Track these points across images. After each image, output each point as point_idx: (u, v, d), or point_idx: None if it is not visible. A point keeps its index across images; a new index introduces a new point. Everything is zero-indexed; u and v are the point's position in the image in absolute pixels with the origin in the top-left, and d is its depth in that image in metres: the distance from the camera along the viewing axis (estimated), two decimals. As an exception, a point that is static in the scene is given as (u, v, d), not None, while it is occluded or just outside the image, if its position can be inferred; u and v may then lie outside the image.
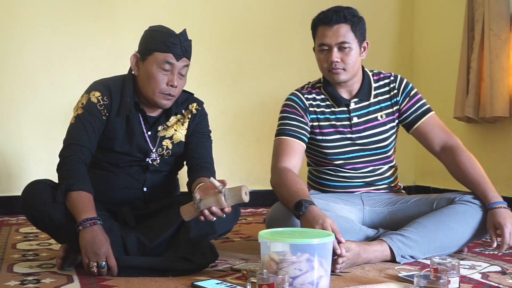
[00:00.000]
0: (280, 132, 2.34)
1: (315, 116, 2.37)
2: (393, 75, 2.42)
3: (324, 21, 2.27)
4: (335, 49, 2.26)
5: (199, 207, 1.88)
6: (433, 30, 3.99)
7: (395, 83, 2.40)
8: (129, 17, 3.66)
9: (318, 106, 2.38)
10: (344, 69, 2.28)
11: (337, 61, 2.26)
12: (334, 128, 2.37)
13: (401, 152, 2.88)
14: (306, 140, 2.35)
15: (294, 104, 2.37)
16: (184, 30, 2.15)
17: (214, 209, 1.88)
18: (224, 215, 1.92)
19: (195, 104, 2.30)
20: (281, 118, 2.38)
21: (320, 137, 2.37)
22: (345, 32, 2.25)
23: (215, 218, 1.92)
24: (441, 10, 3.91)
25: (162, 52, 2.10)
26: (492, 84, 3.19)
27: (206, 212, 1.89)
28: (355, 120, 2.37)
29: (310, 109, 2.37)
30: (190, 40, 2.16)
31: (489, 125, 3.44)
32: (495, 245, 2.16)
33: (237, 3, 3.88)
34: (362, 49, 2.32)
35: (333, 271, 1.93)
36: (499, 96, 3.16)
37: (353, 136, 2.36)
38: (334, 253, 1.90)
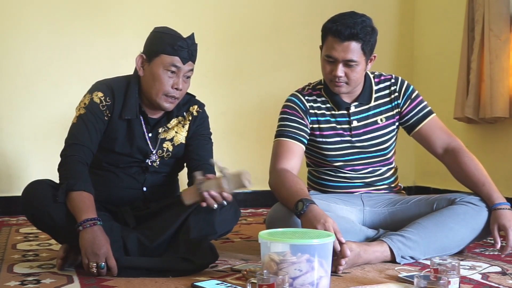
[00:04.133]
0: (279, 134, 2.34)
1: (315, 118, 2.37)
2: (394, 77, 2.42)
3: (335, 33, 2.19)
4: (341, 64, 2.22)
5: (199, 188, 1.90)
6: (433, 31, 3.99)
7: (396, 85, 2.40)
8: (129, 17, 3.66)
9: (318, 108, 2.38)
10: (346, 83, 2.26)
11: (341, 76, 2.23)
12: (334, 130, 2.37)
13: (401, 153, 2.88)
14: (306, 142, 2.35)
15: (294, 106, 2.36)
16: (192, 34, 2.17)
17: (213, 192, 1.89)
18: (225, 202, 1.93)
19: (196, 107, 2.31)
20: (281, 119, 2.37)
21: (320, 139, 2.37)
22: (354, 50, 2.19)
23: (216, 205, 1.94)
24: (441, 10, 3.91)
25: (170, 55, 2.11)
26: (492, 85, 3.19)
27: (206, 194, 1.92)
28: (354, 123, 2.37)
29: (311, 111, 2.37)
30: (197, 44, 2.17)
31: (489, 126, 3.44)
32: (498, 246, 2.16)
33: (237, 4, 3.88)
34: (369, 61, 2.29)
35: (335, 272, 1.94)
36: (499, 97, 3.16)
37: (353, 139, 2.36)
38: (335, 253, 1.91)
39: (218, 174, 1.96)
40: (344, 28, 2.18)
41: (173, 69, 2.12)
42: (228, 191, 1.91)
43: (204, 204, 1.95)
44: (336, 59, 2.22)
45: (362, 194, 2.40)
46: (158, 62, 2.12)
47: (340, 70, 2.22)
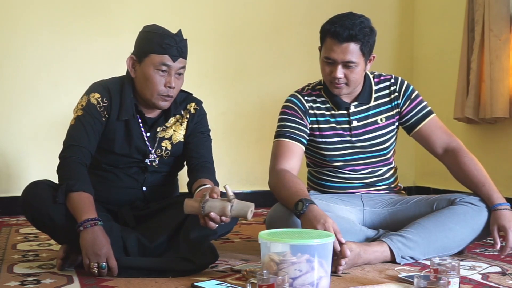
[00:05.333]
0: (279, 134, 2.34)
1: (315, 118, 2.37)
2: (393, 77, 2.42)
3: (334, 35, 2.19)
4: (340, 65, 2.21)
5: (203, 207, 1.88)
6: (433, 31, 3.99)
7: (396, 85, 2.40)
8: (128, 16, 3.66)
9: (318, 108, 2.38)
10: (346, 84, 2.26)
11: (340, 77, 2.23)
12: (334, 130, 2.36)
13: (401, 153, 2.88)
14: (305, 142, 2.35)
15: (294, 106, 2.36)
16: (180, 31, 2.15)
17: (213, 215, 1.88)
18: (222, 223, 1.92)
19: (193, 104, 2.30)
20: (280, 120, 2.37)
21: (320, 139, 2.36)
22: (353, 51, 2.19)
23: (214, 226, 1.92)
24: (441, 10, 3.91)
25: (159, 54, 2.09)
26: (492, 85, 3.19)
27: (207, 218, 1.89)
28: (354, 123, 2.37)
29: (310, 111, 2.37)
30: (186, 40, 2.15)
31: (489, 126, 3.44)
32: (498, 246, 2.16)
33: (237, 4, 3.89)
34: (368, 61, 2.28)
35: (335, 272, 1.94)
36: (499, 97, 3.16)
37: (353, 139, 2.36)
38: (336, 253, 1.91)
39: (225, 198, 1.93)
40: (343, 30, 2.17)
41: (164, 68, 2.11)
42: (229, 217, 1.91)
43: (202, 222, 1.93)
44: (335, 60, 2.21)
45: (362, 194, 2.40)
46: (148, 62, 2.11)
47: (340, 72, 2.22)
